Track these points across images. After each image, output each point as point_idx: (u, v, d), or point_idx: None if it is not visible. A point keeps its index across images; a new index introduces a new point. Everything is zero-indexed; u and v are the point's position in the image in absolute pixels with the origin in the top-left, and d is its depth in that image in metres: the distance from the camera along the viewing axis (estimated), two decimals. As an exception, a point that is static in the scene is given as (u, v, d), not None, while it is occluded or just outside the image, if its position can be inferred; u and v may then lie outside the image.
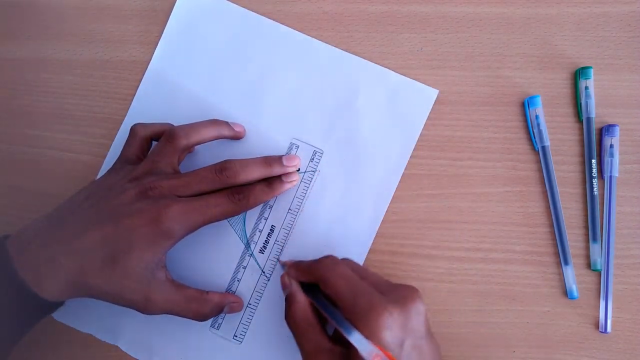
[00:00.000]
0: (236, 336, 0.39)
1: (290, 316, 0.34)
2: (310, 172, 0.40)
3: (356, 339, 0.29)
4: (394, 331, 0.30)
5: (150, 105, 0.41)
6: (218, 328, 0.39)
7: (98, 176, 0.41)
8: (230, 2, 0.42)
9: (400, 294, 0.32)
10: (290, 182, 0.38)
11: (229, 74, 0.41)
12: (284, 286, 0.35)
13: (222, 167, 0.35)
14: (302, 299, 0.34)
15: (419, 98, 0.40)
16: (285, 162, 0.38)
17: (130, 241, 0.32)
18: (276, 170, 0.37)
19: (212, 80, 0.41)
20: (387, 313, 0.30)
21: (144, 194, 0.33)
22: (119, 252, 0.32)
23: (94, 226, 0.32)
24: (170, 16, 0.42)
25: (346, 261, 0.36)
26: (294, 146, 0.40)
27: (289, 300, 0.34)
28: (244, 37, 0.41)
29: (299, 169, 0.39)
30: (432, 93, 0.40)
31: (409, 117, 0.40)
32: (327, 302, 0.33)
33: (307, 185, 0.40)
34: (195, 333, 0.39)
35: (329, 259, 0.34)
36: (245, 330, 0.39)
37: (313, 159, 0.40)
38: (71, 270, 0.32)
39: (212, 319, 0.39)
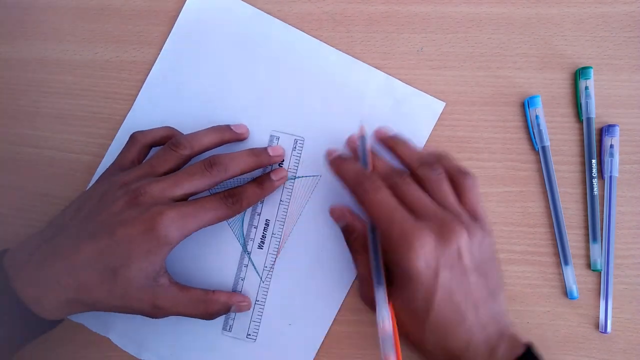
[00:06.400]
0: (249, 335, 0.39)
1: (350, 244, 0.36)
2: (297, 165, 0.40)
3: (378, 296, 0.30)
4: (427, 261, 0.30)
5: (152, 105, 0.41)
6: (230, 330, 0.39)
7: (94, 177, 0.41)
8: (241, 0, 0.42)
9: (443, 216, 0.31)
10: (280, 179, 0.38)
11: (235, 74, 0.41)
12: (338, 218, 0.37)
13: (211, 161, 0.35)
14: (359, 227, 0.36)
15: (425, 109, 0.40)
16: (270, 152, 0.38)
17: (127, 252, 0.31)
18: (264, 160, 0.37)
19: (218, 79, 0.41)
20: (418, 243, 0.29)
21: (134, 200, 0.32)
22: (117, 264, 0.31)
23: (89, 240, 0.32)
24: (180, 14, 0.42)
25: (393, 174, 0.34)
26: (275, 138, 0.40)
27: (347, 231, 0.36)
28: (253, 37, 0.41)
29: (282, 161, 0.40)
30: (439, 105, 0.40)
31: (413, 128, 0.40)
32: (374, 242, 0.33)
33: (294, 173, 0.40)
34: (208, 335, 0.39)
35: (368, 183, 0.33)
36: (257, 327, 0.39)
37: (295, 147, 0.40)
38: (71, 289, 0.31)
39: (223, 322, 0.39)
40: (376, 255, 0.33)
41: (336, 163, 0.36)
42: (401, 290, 0.31)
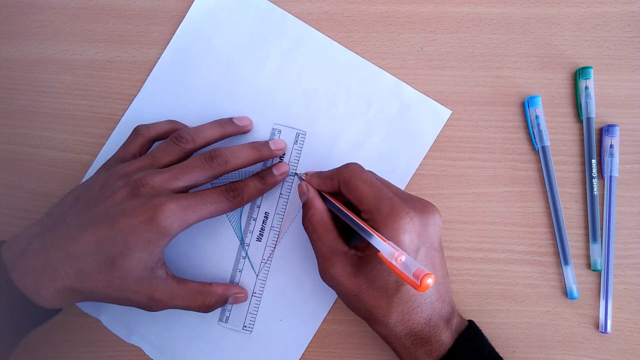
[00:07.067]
0: (245, 326, 0.39)
1: (308, 221, 0.35)
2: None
3: (376, 241, 0.30)
4: (412, 236, 0.32)
5: (154, 100, 0.41)
6: (226, 321, 0.39)
7: (86, 176, 0.41)
8: None
9: (420, 204, 0.33)
10: (282, 174, 0.38)
11: (242, 68, 0.41)
12: (302, 193, 0.36)
13: (212, 154, 0.35)
14: (319, 205, 0.35)
15: (431, 116, 0.40)
16: (272, 146, 0.38)
17: (126, 243, 0.31)
18: (265, 154, 0.38)
19: (224, 72, 0.41)
20: (408, 218, 0.31)
21: (135, 191, 0.32)
22: (116, 254, 0.31)
23: (88, 229, 0.32)
24: (191, 7, 0.42)
25: (370, 171, 0.36)
26: (276, 131, 0.40)
27: (306, 206, 0.36)
28: (265, 31, 0.41)
29: (283, 154, 0.40)
30: (445, 113, 0.40)
31: (418, 134, 0.40)
32: (344, 209, 0.34)
33: (295, 168, 0.40)
34: (202, 325, 0.39)
35: (353, 165, 0.35)
36: (253, 319, 0.39)
37: (297, 141, 0.40)
38: (69, 277, 0.31)
39: (219, 313, 0.39)
40: (355, 220, 0.33)
41: (316, 173, 0.37)
42: (374, 268, 0.32)
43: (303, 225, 0.36)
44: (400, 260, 0.28)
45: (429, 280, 0.26)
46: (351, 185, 0.33)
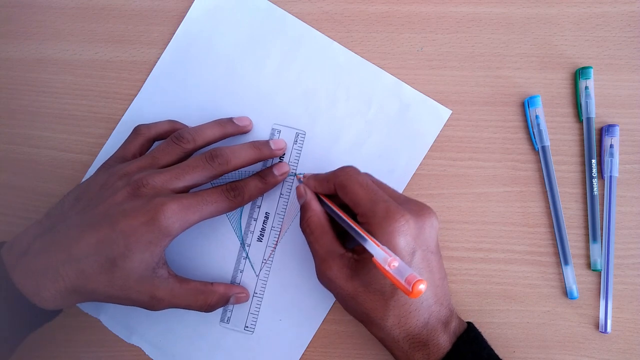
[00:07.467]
0: (247, 327, 0.39)
1: (305, 223, 0.35)
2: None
3: (370, 245, 0.30)
4: (407, 239, 0.31)
5: (154, 100, 0.41)
6: (228, 322, 0.39)
7: (86, 175, 0.41)
8: None
9: (416, 206, 0.33)
10: (283, 174, 0.38)
11: (242, 68, 0.41)
12: (299, 195, 0.37)
13: (213, 154, 0.35)
14: (316, 207, 0.36)
15: (431, 116, 0.40)
16: (272, 146, 0.38)
17: (127, 244, 0.31)
18: (265, 153, 0.38)
19: (224, 72, 0.41)
20: (403, 220, 0.31)
21: (136, 191, 0.32)
22: (117, 255, 0.31)
23: (89, 230, 0.32)
24: (191, 7, 0.42)
25: (366, 173, 0.36)
26: (276, 131, 0.40)
27: (304, 209, 0.36)
28: (265, 31, 0.41)
29: (283, 154, 0.40)
30: (445, 113, 0.40)
31: (418, 134, 0.40)
32: (340, 212, 0.34)
33: (295, 168, 0.40)
34: (203, 325, 0.39)
35: (349, 168, 0.35)
36: (255, 319, 0.39)
37: (297, 141, 0.40)
38: (70, 278, 0.31)
39: (221, 313, 0.39)
40: (350, 224, 0.33)
41: (313, 175, 0.37)
42: (370, 271, 0.32)
43: (300, 227, 0.36)
44: (393, 265, 0.27)
45: (421, 287, 0.26)
46: (347, 188, 0.33)
